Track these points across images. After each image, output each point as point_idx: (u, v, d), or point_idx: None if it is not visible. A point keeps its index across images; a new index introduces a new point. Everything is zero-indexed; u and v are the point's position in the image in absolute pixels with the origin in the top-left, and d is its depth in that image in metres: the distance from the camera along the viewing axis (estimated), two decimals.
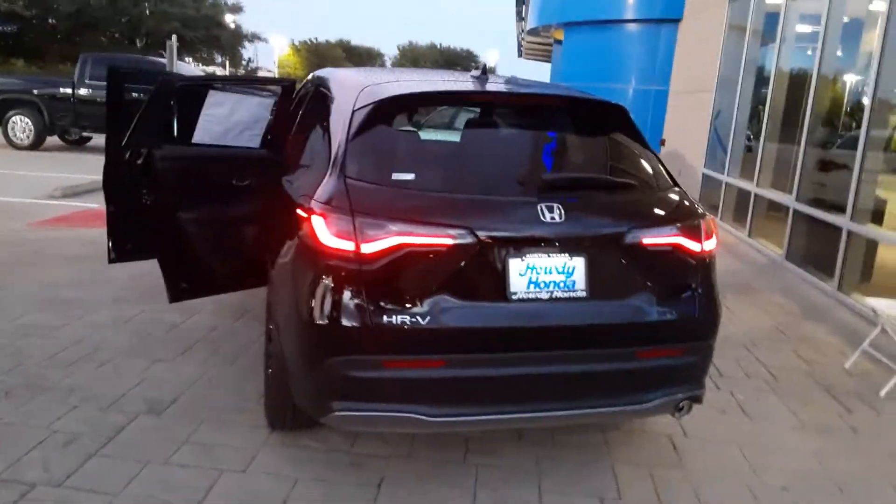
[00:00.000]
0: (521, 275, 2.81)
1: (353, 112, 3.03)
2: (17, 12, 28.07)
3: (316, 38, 68.42)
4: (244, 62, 46.25)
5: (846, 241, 6.36)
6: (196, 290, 4.29)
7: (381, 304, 2.71)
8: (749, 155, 9.82)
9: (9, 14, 28.18)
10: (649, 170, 3.30)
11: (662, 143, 13.94)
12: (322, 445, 3.37)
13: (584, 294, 2.88)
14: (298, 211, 2.98)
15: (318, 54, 62.66)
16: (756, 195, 8.97)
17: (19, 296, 5.17)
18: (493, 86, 3.48)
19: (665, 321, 3.02)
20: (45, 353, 4.17)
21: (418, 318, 2.71)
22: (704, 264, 3.13)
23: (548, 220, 2.81)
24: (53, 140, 15.01)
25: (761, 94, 9.65)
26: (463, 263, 2.76)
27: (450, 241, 2.72)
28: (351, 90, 3.25)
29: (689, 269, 3.09)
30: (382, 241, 2.68)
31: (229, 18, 38.33)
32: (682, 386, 3.09)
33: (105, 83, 4.29)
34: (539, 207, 2.82)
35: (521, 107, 3.58)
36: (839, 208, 6.60)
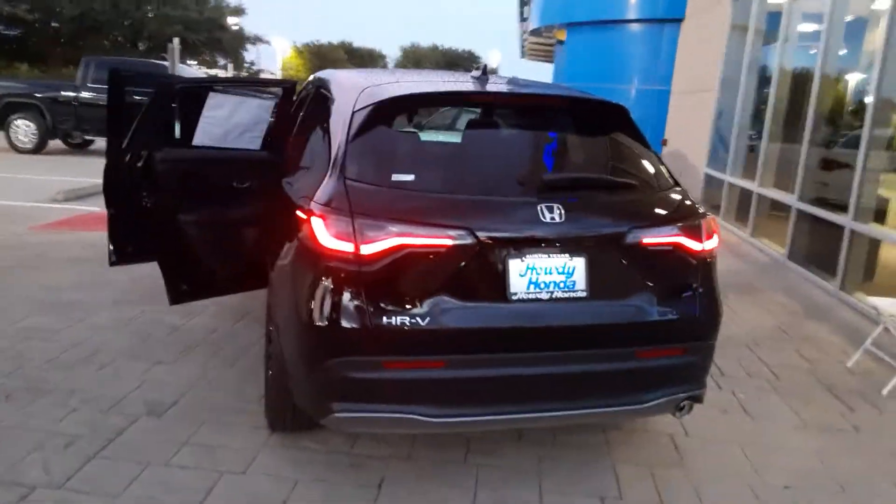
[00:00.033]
0: (521, 275, 2.80)
1: (353, 113, 3.03)
2: (19, 16, 28.11)
3: (318, 40, 68.48)
4: (247, 65, 46.29)
5: (849, 241, 6.34)
6: (196, 292, 4.30)
7: (381, 305, 2.71)
8: (751, 154, 9.80)
9: (11, 18, 28.24)
10: (650, 169, 3.29)
11: (664, 143, 13.91)
12: (322, 447, 3.36)
13: (584, 294, 2.87)
14: (298, 212, 2.98)
15: (320, 56, 62.69)
16: (758, 195, 8.95)
17: (20, 299, 5.17)
18: (493, 86, 3.47)
19: (666, 321, 3.01)
20: (45, 356, 4.18)
21: (418, 319, 2.71)
22: (705, 264, 3.12)
23: (548, 220, 2.81)
24: (56, 144, 15.03)
25: (763, 94, 9.63)
26: (463, 264, 2.75)
27: (449, 242, 2.71)
28: (351, 91, 3.25)
29: (689, 268, 3.08)
30: (382, 242, 2.67)
31: (231, 21, 38.35)
32: (682, 386, 3.08)
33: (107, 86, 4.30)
34: (539, 208, 2.82)
35: (521, 107, 3.58)
36: (842, 207, 6.58)
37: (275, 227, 3.43)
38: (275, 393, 3.36)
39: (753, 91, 10.08)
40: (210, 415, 3.60)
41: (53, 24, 30.88)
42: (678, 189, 3.26)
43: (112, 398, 3.71)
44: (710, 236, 3.11)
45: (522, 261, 2.80)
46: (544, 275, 2.82)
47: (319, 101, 3.75)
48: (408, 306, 2.72)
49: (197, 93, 4.33)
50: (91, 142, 15.39)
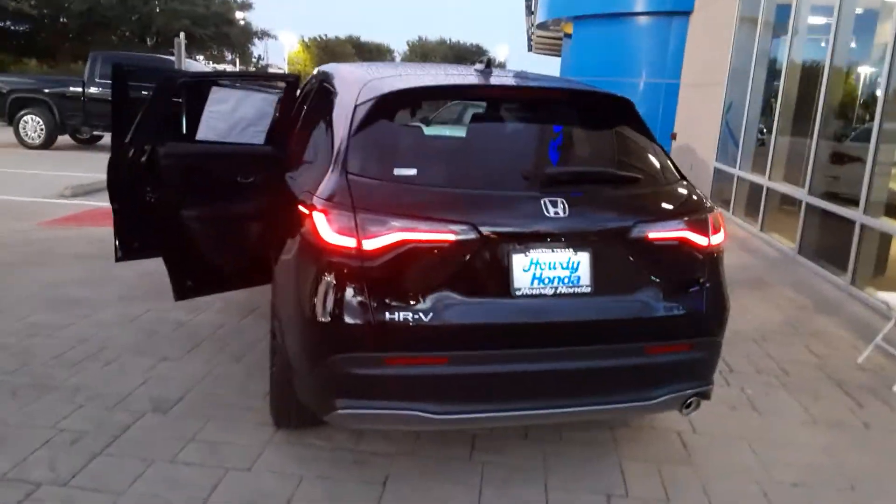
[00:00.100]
0: (524, 270, 2.77)
1: (356, 107, 3.01)
2: (25, 12, 28.17)
3: (326, 35, 68.39)
4: (254, 59, 46.29)
5: (859, 235, 6.29)
6: (201, 288, 4.29)
7: (384, 300, 2.68)
8: (761, 148, 9.74)
9: (17, 13, 28.30)
10: (655, 163, 3.25)
11: (673, 136, 13.84)
12: (327, 443, 3.35)
13: (588, 290, 2.84)
14: (300, 207, 2.96)
15: (327, 51, 62.63)
16: (768, 189, 8.89)
17: (26, 295, 5.18)
18: (496, 79, 3.45)
19: (672, 316, 2.98)
20: (51, 353, 4.18)
21: (421, 314, 2.69)
22: (712, 259, 3.08)
23: (551, 214, 2.78)
24: (65, 139, 15.10)
25: (773, 87, 9.56)
26: (466, 259, 2.73)
27: (452, 237, 2.69)
28: (353, 85, 3.23)
29: (696, 263, 3.04)
30: (384, 237, 2.65)
31: (239, 15, 38.35)
32: (689, 382, 3.05)
33: None
34: (543, 202, 2.79)
35: (524, 100, 3.55)
36: (852, 201, 6.52)
37: (278, 222, 3.41)
38: (279, 389, 3.36)
39: (763, 84, 10.01)
40: (215, 411, 3.59)
41: (62, 20, 30.95)
42: (684, 183, 3.23)
43: (117, 395, 3.71)
44: (716, 231, 3.08)
45: (526, 256, 2.78)
46: (548, 270, 2.79)
47: (322, 95, 3.73)
48: (410, 302, 2.69)
49: (204, 87, 4.32)
50: (100, 137, 15.45)
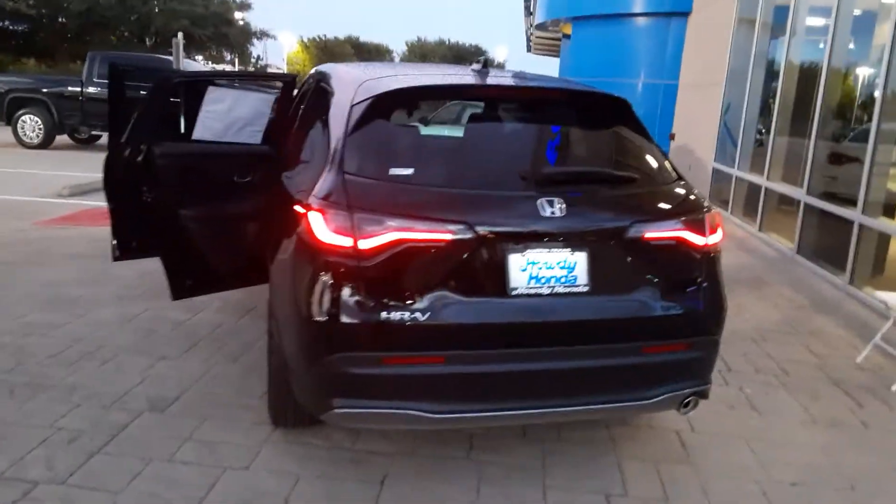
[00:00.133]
0: (521, 270, 2.77)
1: (352, 107, 3.01)
2: (23, 12, 28.16)
3: (325, 35, 68.36)
4: (253, 60, 46.26)
5: (857, 235, 6.30)
6: (199, 288, 4.29)
7: (380, 300, 2.68)
8: (759, 149, 9.74)
9: (14, 13, 28.27)
10: (652, 163, 3.25)
11: (672, 137, 13.85)
12: (324, 442, 3.35)
13: (585, 289, 2.84)
14: (297, 207, 2.96)
15: (327, 51, 62.62)
16: (767, 189, 8.89)
17: (23, 294, 5.18)
18: (493, 79, 3.44)
19: (669, 316, 2.98)
20: (48, 352, 4.17)
21: (417, 314, 2.68)
22: (709, 258, 3.08)
23: (548, 214, 2.77)
24: (63, 139, 15.08)
25: (771, 88, 9.57)
26: (462, 259, 2.73)
27: (449, 237, 2.69)
28: (349, 85, 3.22)
29: (693, 263, 3.04)
30: (380, 236, 2.65)
31: (238, 16, 38.33)
32: (687, 382, 3.05)
33: None
34: (539, 202, 2.78)
35: (521, 100, 3.55)
36: (850, 202, 6.53)
37: (274, 221, 3.41)
38: (276, 388, 3.35)
39: (761, 85, 10.01)
40: (213, 410, 3.59)
41: (60, 20, 30.93)
42: (681, 183, 3.22)
43: (114, 394, 3.70)
44: (713, 230, 3.07)
45: (523, 255, 2.77)
46: (545, 269, 2.79)
47: (319, 94, 3.73)
48: (407, 301, 2.69)
49: (202, 87, 4.31)
50: (98, 137, 15.44)
